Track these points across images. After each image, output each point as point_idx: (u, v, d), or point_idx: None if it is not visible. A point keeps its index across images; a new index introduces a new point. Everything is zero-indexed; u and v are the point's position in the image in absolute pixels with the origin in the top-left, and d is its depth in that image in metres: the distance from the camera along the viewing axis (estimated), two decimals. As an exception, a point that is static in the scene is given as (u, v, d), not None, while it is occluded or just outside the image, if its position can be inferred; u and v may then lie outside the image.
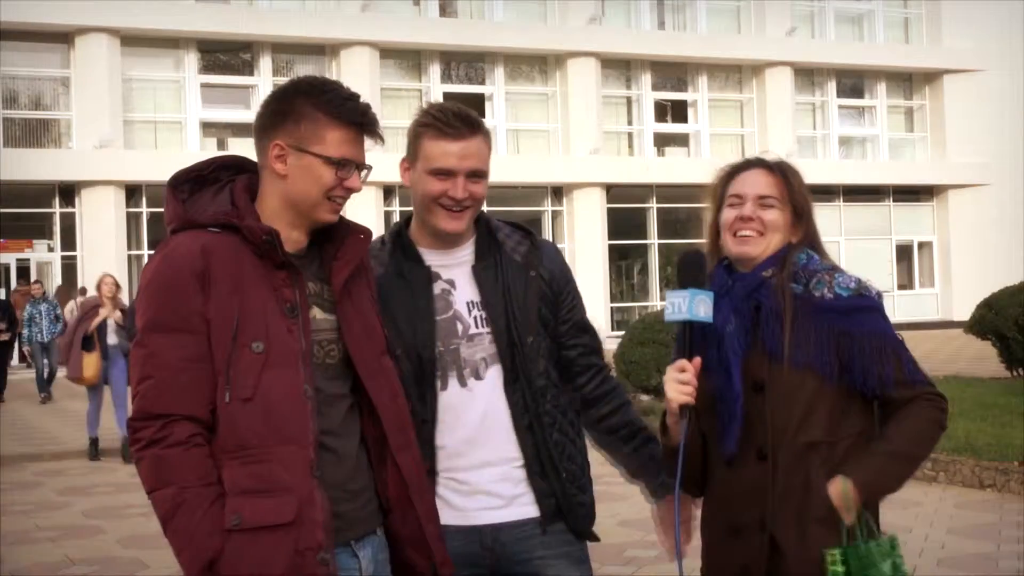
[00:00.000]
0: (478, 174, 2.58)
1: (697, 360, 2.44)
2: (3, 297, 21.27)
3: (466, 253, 2.67)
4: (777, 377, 2.45)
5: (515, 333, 2.59)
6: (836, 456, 2.43)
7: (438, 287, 2.63)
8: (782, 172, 2.58)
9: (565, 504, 2.62)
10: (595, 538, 2.72)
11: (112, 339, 11.31)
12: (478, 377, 2.60)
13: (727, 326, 2.49)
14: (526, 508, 2.62)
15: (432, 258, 2.65)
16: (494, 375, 2.61)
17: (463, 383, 2.60)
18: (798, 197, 2.56)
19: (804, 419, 2.44)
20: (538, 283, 2.65)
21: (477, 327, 2.61)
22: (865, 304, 2.46)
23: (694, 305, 2.42)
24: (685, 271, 2.47)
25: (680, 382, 2.43)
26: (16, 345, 20.09)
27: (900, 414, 2.43)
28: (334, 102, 2.32)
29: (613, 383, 2.81)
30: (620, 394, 2.81)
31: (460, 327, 2.61)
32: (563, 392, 2.69)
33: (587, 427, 2.77)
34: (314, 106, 2.31)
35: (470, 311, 2.62)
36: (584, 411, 2.75)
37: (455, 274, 2.65)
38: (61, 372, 16.74)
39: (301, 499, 2.18)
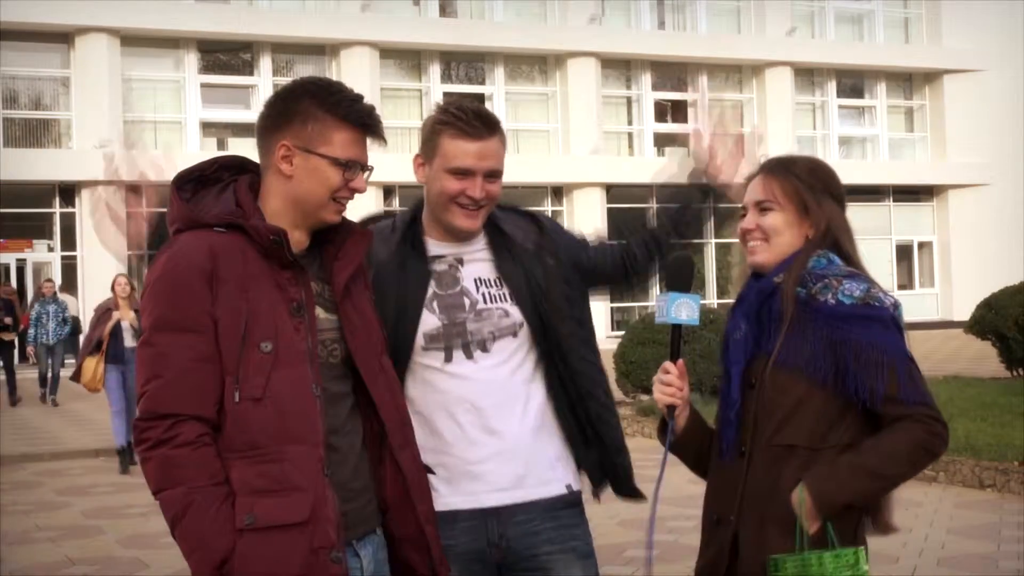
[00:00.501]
0: (495, 174, 2.63)
1: (680, 362, 2.51)
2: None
3: (478, 246, 2.71)
4: (766, 378, 2.44)
5: (545, 317, 2.66)
6: (816, 464, 2.38)
7: (444, 264, 2.68)
8: (773, 171, 2.57)
9: (610, 469, 2.76)
10: (641, 495, 2.82)
11: (129, 341, 10.45)
12: (484, 350, 2.64)
13: (736, 332, 2.51)
14: (530, 491, 2.65)
15: (442, 249, 2.69)
16: (501, 349, 2.65)
17: (469, 355, 2.64)
18: (794, 194, 2.53)
19: (785, 421, 2.41)
20: (557, 269, 2.72)
21: (486, 303, 2.66)
22: (869, 313, 2.39)
23: (675, 308, 2.48)
24: (670, 275, 2.54)
25: (664, 383, 2.51)
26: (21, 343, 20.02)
27: (883, 431, 2.37)
28: (341, 104, 2.33)
29: (626, 247, 2.93)
30: (627, 243, 2.94)
31: (467, 302, 2.65)
32: (591, 365, 2.76)
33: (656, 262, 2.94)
34: (321, 108, 2.32)
35: (478, 288, 2.67)
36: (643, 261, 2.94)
37: (464, 256, 2.70)
38: (63, 373, 16.75)
39: (315, 498, 2.19)
